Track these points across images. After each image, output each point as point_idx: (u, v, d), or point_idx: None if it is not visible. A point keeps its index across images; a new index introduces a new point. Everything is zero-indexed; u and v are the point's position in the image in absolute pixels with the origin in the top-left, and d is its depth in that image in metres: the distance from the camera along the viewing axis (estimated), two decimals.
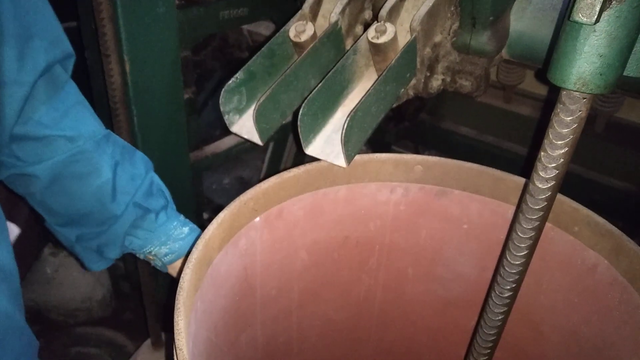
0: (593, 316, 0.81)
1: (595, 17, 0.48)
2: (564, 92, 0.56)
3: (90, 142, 0.82)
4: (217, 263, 0.79)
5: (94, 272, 1.54)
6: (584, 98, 0.55)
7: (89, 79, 1.08)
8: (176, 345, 0.61)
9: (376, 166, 0.91)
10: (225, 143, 1.39)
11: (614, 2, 0.50)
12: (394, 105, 0.91)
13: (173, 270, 0.98)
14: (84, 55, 1.07)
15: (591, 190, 1.46)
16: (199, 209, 1.37)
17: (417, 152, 1.86)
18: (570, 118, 0.57)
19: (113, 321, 1.58)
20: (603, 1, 0.47)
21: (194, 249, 0.71)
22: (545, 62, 0.84)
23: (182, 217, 0.97)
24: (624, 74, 0.56)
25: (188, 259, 0.70)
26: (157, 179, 0.93)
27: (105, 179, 0.84)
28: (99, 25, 0.86)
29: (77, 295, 1.49)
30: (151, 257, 0.96)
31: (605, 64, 0.53)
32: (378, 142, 1.78)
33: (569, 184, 1.51)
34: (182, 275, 0.68)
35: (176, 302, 0.65)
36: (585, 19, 0.48)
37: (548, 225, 0.83)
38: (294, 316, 1.03)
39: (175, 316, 0.64)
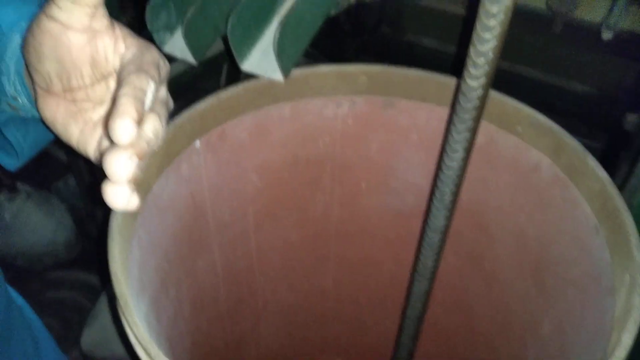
0: (537, 214, 0.83)
1: None
2: None
3: None
4: (158, 189, 0.77)
5: (56, 214, 1.51)
6: None
7: None
8: (111, 271, 0.61)
9: (319, 79, 0.87)
10: (174, 69, 1.33)
11: None
12: (336, 12, 0.86)
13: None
14: None
15: (550, 95, 1.45)
16: None
17: None
18: (497, 8, 0.54)
19: (82, 263, 1.58)
20: None
21: None
22: None
23: None
24: None
25: None
26: None
27: None
28: None
29: (40, 239, 1.48)
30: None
31: None
32: (336, 59, 1.73)
33: (527, 88, 1.49)
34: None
35: (109, 230, 0.64)
36: None
37: (491, 126, 0.83)
38: (251, 239, 1.04)
39: (109, 241, 0.63)
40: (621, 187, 1.01)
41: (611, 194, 0.70)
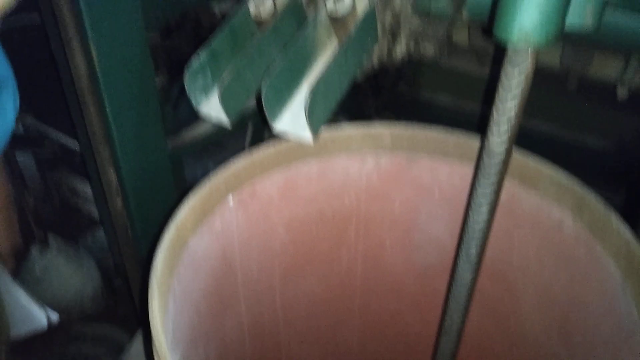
0: (562, 272, 0.83)
1: None
2: (510, 48, 0.57)
3: None
4: (193, 245, 0.80)
5: (84, 269, 1.55)
6: (529, 52, 0.56)
7: (57, 70, 1.08)
8: (151, 324, 0.63)
9: (345, 138, 0.91)
10: (203, 127, 1.39)
11: None
12: (360, 75, 0.91)
13: None
14: (50, 48, 1.07)
15: (568, 150, 1.47)
16: (182, 195, 1.38)
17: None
18: (518, 72, 0.58)
19: (107, 316, 1.59)
20: None
21: (165, 232, 0.72)
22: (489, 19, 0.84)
23: None
24: (568, 23, 0.57)
25: (160, 241, 0.71)
26: None
27: None
28: (58, 11, 0.86)
29: (68, 293, 1.50)
30: None
31: (545, 16, 0.53)
32: (358, 116, 1.78)
33: (544, 143, 1.51)
34: (154, 257, 0.70)
35: (150, 283, 0.66)
36: None
37: (514, 183, 0.85)
38: (277, 293, 1.05)
39: (150, 297, 0.65)
40: None
41: (636, 253, 0.71)
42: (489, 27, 0.59)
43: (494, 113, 0.61)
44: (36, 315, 1.39)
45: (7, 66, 0.75)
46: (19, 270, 1.49)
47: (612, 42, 0.83)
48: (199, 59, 0.85)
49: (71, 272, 1.51)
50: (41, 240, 1.51)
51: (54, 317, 1.38)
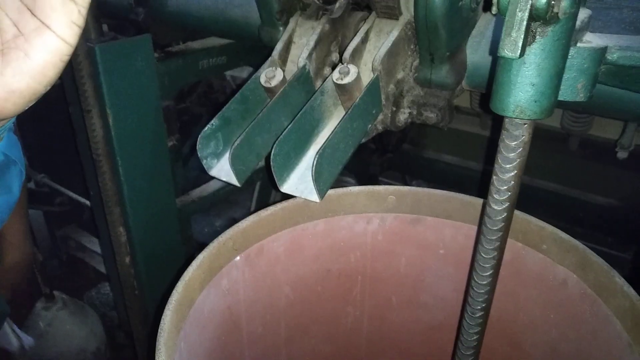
0: (569, 330, 0.83)
1: (519, 51, 0.52)
2: (507, 120, 0.61)
3: None
4: (200, 304, 0.81)
5: (88, 323, 1.55)
6: (525, 124, 0.60)
7: (74, 133, 1.13)
8: None
9: (351, 199, 0.94)
10: (212, 186, 1.43)
11: (537, 36, 0.55)
12: (365, 140, 0.95)
13: None
14: (68, 110, 1.13)
15: (574, 208, 1.49)
16: (189, 252, 1.40)
17: (404, 181, 1.91)
18: (515, 143, 0.61)
19: None
20: (524, 37, 0.52)
21: (174, 291, 0.74)
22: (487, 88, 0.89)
23: None
24: (560, 99, 0.61)
25: (169, 300, 0.72)
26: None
27: None
28: (79, 83, 0.91)
29: (71, 348, 1.49)
30: None
31: (539, 92, 0.57)
32: (364, 174, 1.83)
33: (550, 202, 1.54)
34: (162, 317, 0.71)
35: (157, 343, 0.67)
36: (510, 54, 0.52)
37: (518, 244, 0.87)
38: (282, 352, 1.04)
39: (157, 356, 0.66)
40: None
41: None
42: (488, 95, 0.62)
43: (494, 181, 0.63)
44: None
45: (18, 148, 0.81)
46: (24, 325, 1.49)
47: (606, 112, 0.87)
48: (211, 125, 0.89)
49: (75, 327, 1.51)
50: (46, 295, 1.52)
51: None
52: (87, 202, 1.55)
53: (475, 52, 0.92)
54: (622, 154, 1.24)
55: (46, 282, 1.56)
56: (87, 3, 0.51)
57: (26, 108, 0.53)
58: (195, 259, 0.79)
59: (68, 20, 0.50)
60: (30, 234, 1.55)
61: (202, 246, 1.67)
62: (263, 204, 1.61)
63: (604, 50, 0.64)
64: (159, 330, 0.69)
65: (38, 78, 0.51)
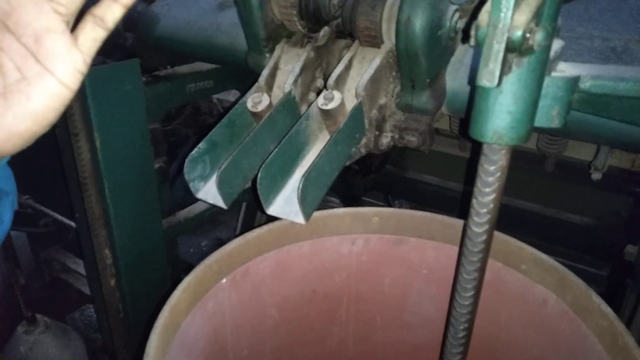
0: (549, 349, 0.85)
1: (496, 81, 0.55)
2: (485, 145, 0.63)
3: None
4: (186, 327, 0.81)
5: (71, 347, 1.52)
6: (502, 149, 0.62)
7: (60, 155, 1.13)
8: None
9: (336, 220, 0.96)
10: (198, 207, 1.44)
11: (513, 67, 0.58)
12: (348, 163, 0.98)
13: None
14: (54, 133, 1.13)
15: (551, 226, 1.53)
16: (175, 273, 1.40)
17: (387, 201, 1.93)
18: (494, 167, 0.63)
19: None
20: (502, 67, 0.55)
21: (160, 315, 0.74)
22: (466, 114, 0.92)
23: None
24: (536, 125, 0.63)
25: (154, 325, 0.73)
26: None
27: None
28: (67, 107, 0.92)
29: None
30: None
31: (515, 119, 0.60)
32: (347, 195, 1.85)
33: (529, 222, 1.57)
34: (148, 341, 0.71)
35: None
36: (488, 84, 0.55)
37: (498, 264, 0.89)
38: None
39: None
40: (629, 322, 1.04)
41: (619, 331, 0.74)
42: (467, 120, 0.65)
43: (474, 204, 0.66)
44: None
45: (11, 180, 0.82)
46: (4, 350, 1.46)
47: (580, 136, 0.91)
48: (199, 149, 0.90)
49: (57, 351, 1.49)
50: (28, 318, 1.50)
51: None
52: (72, 223, 1.54)
53: (454, 80, 0.96)
54: (596, 175, 1.28)
55: (28, 305, 1.53)
56: (93, 52, 0.51)
57: (24, 148, 0.53)
58: (181, 283, 0.80)
59: (72, 68, 0.50)
60: (13, 256, 1.53)
61: (188, 267, 1.66)
62: (249, 224, 1.61)
63: (577, 79, 0.67)
64: (145, 355, 0.69)
65: (38, 121, 0.51)
